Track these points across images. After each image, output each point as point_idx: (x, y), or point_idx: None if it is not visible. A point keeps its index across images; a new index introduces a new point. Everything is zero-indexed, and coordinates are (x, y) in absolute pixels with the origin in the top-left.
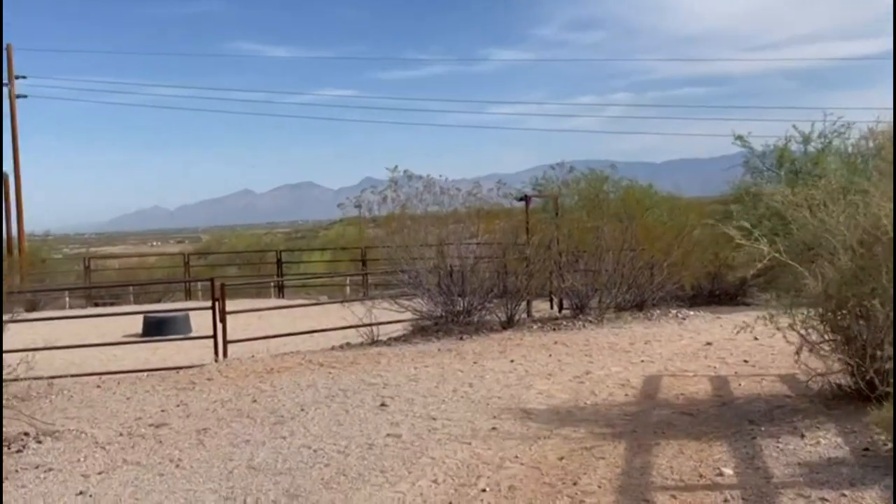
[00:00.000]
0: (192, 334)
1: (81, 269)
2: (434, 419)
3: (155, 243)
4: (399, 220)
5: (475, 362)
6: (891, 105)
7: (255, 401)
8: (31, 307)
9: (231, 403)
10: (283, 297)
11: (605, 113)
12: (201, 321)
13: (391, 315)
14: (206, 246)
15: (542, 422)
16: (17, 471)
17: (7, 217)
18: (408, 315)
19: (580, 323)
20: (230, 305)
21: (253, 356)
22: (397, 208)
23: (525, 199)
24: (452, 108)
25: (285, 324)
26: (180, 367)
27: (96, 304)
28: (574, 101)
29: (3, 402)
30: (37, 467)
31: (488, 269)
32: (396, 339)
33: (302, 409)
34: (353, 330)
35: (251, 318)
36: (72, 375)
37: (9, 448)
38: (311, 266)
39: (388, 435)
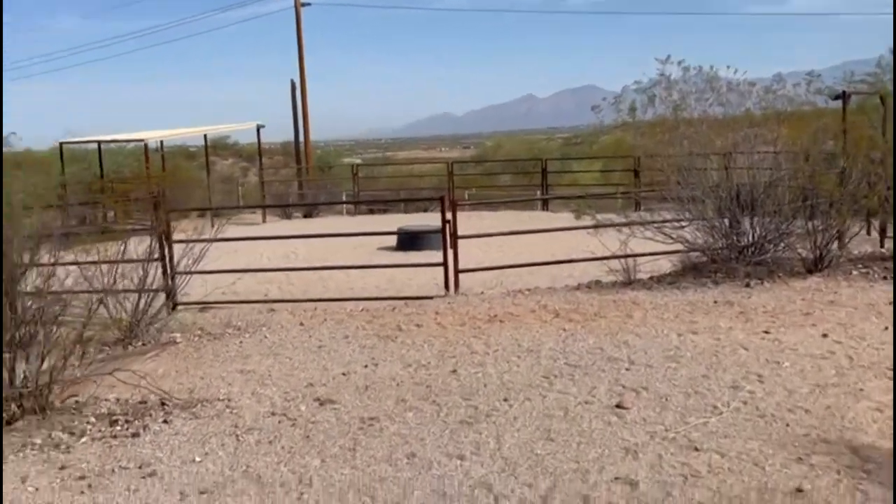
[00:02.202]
0: None
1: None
2: (696, 449)
3: (442, 149)
4: (669, 127)
5: (766, 332)
6: None
7: (454, 371)
8: (308, 214)
9: (425, 371)
10: (547, 209)
11: None
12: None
13: (656, 245)
14: (481, 153)
15: (888, 485)
16: (113, 470)
17: (295, 125)
18: (678, 246)
19: None
20: (492, 220)
21: (482, 292)
22: (669, 110)
23: (843, 96)
24: None
25: (541, 244)
26: (403, 298)
27: (371, 212)
28: None
29: (196, 332)
30: (140, 467)
31: (789, 188)
32: (660, 280)
33: (506, 400)
34: (608, 262)
35: (505, 238)
36: (292, 301)
37: (126, 427)
38: (581, 176)
39: (615, 479)
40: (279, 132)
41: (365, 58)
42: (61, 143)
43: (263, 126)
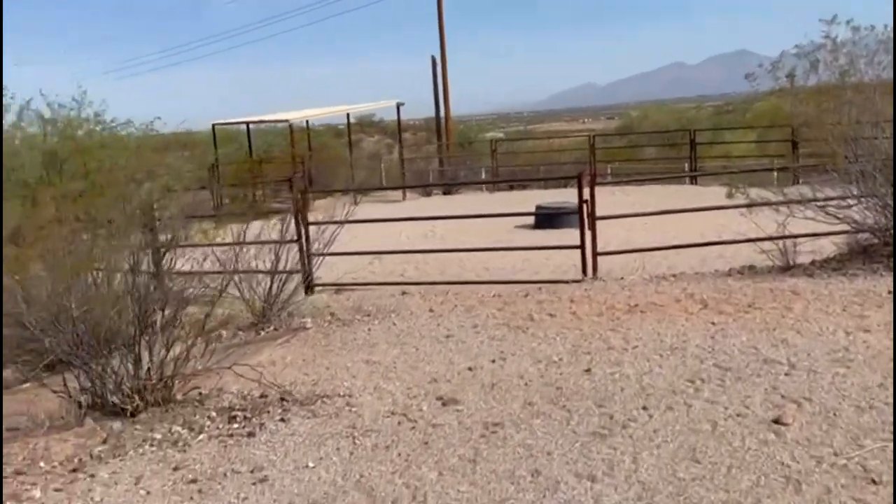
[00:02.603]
0: None
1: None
2: (874, 482)
3: (585, 120)
4: (834, 94)
5: None
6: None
7: (588, 370)
8: (448, 191)
9: (556, 369)
10: (696, 183)
11: None
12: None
13: (817, 225)
14: (625, 124)
15: None
16: (225, 474)
17: (436, 101)
18: (843, 227)
19: None
20: (636, 195)
21: (622, 277)
22: (834, 76)
23: None
24: None
25: (689, 222)
26: (538, 282)
27: (511, 188)
28: None
29: (327, 317)
30: (252, 471)
31: None
32: (822, 265)
33: (645, 408)
34: (763, 244)
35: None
36: (425, 283)
37: (243, 425)
38: (733, 147)
39: None
40: (423, 107)
41: (506, 29)
42: (213, 125)
43: (403, 104)
